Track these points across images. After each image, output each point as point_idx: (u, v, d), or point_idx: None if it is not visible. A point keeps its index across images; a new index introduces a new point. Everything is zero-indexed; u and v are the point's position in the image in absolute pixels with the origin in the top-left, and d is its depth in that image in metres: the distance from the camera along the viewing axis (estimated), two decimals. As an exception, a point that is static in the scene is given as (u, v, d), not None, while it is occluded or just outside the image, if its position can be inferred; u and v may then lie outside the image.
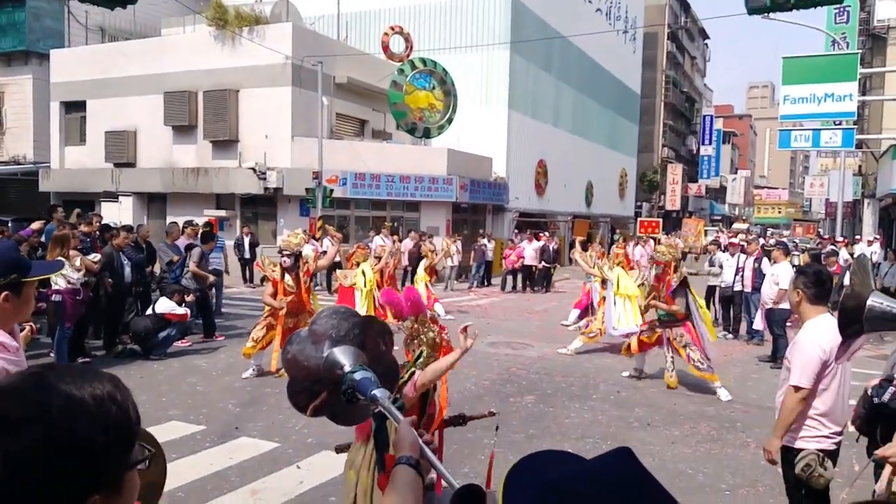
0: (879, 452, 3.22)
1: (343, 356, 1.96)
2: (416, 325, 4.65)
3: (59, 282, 9.51)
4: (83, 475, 1.05)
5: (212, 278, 12.54)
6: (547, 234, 26.32)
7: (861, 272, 2.92)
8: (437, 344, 4.61)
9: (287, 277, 9.59)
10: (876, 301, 2.75)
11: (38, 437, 1.02)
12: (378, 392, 1.84)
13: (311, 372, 2.00)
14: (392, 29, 27.27)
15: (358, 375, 1.89)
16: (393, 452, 1.70)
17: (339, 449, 4.58)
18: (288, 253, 9.55)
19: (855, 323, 2.87)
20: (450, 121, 25.85)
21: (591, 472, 0.93)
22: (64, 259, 9.28)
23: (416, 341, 4.60)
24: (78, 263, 9.78)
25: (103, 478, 1.08)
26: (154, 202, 25.35)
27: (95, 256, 10.63)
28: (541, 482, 0.91)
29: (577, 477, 0.91)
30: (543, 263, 23.04)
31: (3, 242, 8.88)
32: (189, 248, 12.70)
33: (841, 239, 23.44)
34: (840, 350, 3.22)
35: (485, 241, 23.83)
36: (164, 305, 11.09)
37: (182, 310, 11.23)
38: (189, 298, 11.68)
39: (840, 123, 24.22)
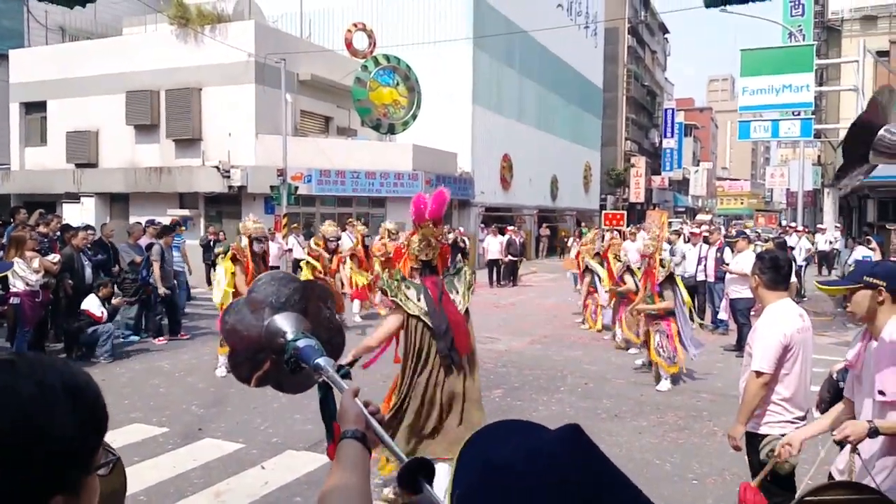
0: (837, 435, 3.25)
1: (285, 323, 1.90)
2: (430, 231, 5.00)
3: (17, 284, 9.32)
4: (50, 472, 0.97)
5: (162, 291, 12.10)
6: (514, 227, 26.37)
7: (888, 101, 2.79)
8: (437, 244, 5.02)
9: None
10: (889, 132, 2.66)
11: (7, 427, 0.95)
12: (322, 360, 1.78)
13: (251, 341, 1.93)
14: (355, 26, 27.12)
15: (301, 343, 1.83)
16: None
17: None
18: (264, 238, 9.78)
19: (863, 145, 2.77)
20: (414, 117, 25.80)
21: (533, 449, 0.90)
22: (20, 260, 9.10)
23: (430, 247, 5.01)
24: (36, 265, 9.57)
25: (68, 476, 1.00)
26: (116, 202, 24.96)
27: (54, 257, 10.42)
28: (483, 460, 0.90)
29: (516, 454, 0.90)
30: (510, 257, 23.10)
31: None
32: (150, 247, 12.50)
33: (801, 228, 23.81)
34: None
35: (450, 236, 23.81)
36: (89, 302, 10.72)
37: (99, 311, 10.72)
38: (117, 301, 11.29)
39: (798, 114, 24.57)
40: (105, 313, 10.88)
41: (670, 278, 9.51)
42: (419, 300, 4.90)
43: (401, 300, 4.91)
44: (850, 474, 3.25)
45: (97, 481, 1.09)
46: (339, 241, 13.42)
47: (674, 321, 9.40)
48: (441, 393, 4.96)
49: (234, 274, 9.32)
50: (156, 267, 12.07)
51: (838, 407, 3.80)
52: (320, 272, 12.42)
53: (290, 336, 1.86)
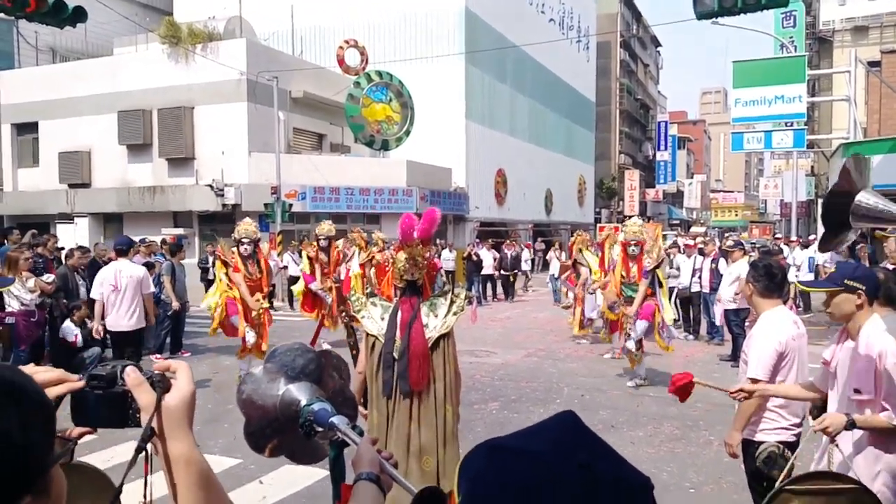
0: (816, 426, 3.33)
1: (299, 392, 1.95)
2: (415, 250, 4.52)
3: (12, 304, 9.31)
4: (6, 474, 0.95)
5: (175, 305, 12.38)
6: (512, 241, 26.47)
7: (858, 169, 2.91)
8: (424, 264, 4.56)
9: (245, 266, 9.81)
10: (864, 197, 2.75)
11: None
12: (336, 419, 1.83)
13: (266, 411, 1.97)
14: (347, 43, 27.25)
15: (315, 406, 1.87)
16: (351, 477, 1.70)
17: None
18: (248, 240, 9.74)
19: (842, 216, 2.86)
20: (408, 132, 25.92)
21: (534, 431, 1.01)
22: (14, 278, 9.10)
23: (416, 266, 4.50)
24: (31, 284, 9.56)
25: (27, 476, 0.98)
26: (110, 222, 24.94)
27: (49, 277, 10.41)
28: (487, 447, 0.99)
29: (520, 437, 0.99)
30: (502, 271, 23.10)
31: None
32: (147, 265, 12.52)
33: (795, 239, 23.84)
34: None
35: (445, 251, 23.80)
36: (65, 329, 10.35)
37: (72, 337, 10.30)
38: (95, 327, 10.75)
39: (791, 125, 24.66)
40: (79, 337, 10.39)
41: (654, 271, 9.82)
42: (382, 319, 4.51)
43: (363, 317, 4.57)
44: (829, 465, 3.33)
45: (61, 473, 1.07)
46: (331, 241, 13.08)
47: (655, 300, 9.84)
48: (392, 422, 4.45)
49: (226, 274, 9.74)
50: (167, 282, 12.29)
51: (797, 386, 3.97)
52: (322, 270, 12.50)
53: (304, 402, 1.91)
